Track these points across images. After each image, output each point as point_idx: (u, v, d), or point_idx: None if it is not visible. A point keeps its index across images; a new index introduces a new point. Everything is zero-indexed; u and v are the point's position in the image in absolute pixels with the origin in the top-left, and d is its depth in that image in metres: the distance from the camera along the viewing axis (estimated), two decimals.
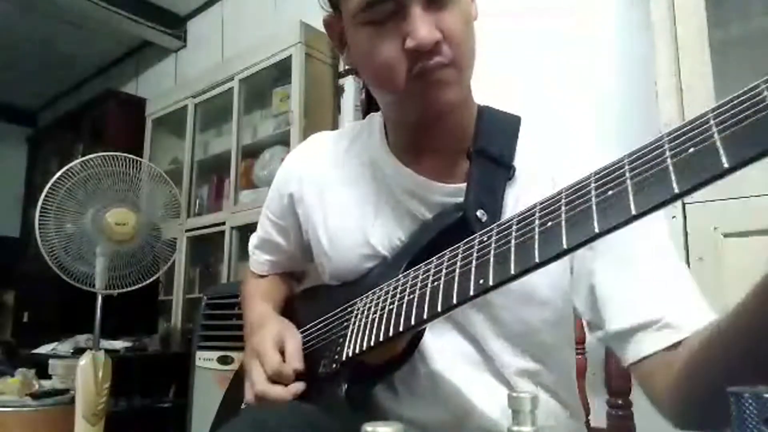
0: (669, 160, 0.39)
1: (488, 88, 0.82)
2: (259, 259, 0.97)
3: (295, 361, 0.70)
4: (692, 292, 0.60)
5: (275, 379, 0.70)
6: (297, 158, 0.89)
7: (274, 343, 0.73)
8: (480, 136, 0.73)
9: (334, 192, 0.82)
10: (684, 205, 1.17)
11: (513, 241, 0.50)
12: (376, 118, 0.83)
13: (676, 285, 0.61)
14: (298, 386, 0.69)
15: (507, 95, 0.85)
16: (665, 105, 1.24)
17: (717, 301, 1.10)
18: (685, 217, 1.17)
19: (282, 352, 0.72)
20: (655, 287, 0.60)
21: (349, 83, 2.42)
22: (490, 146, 0.72)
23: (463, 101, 0.71)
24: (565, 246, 0.44)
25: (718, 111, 0.37)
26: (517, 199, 0.69)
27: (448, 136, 0.73)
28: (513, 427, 0.40)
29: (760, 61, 1.27)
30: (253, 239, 0.98)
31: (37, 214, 1.84)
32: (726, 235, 1.13)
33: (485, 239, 0.55)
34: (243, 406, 0.77)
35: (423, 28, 0.62)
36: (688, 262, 1.15)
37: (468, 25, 0.67)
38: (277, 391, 0.68)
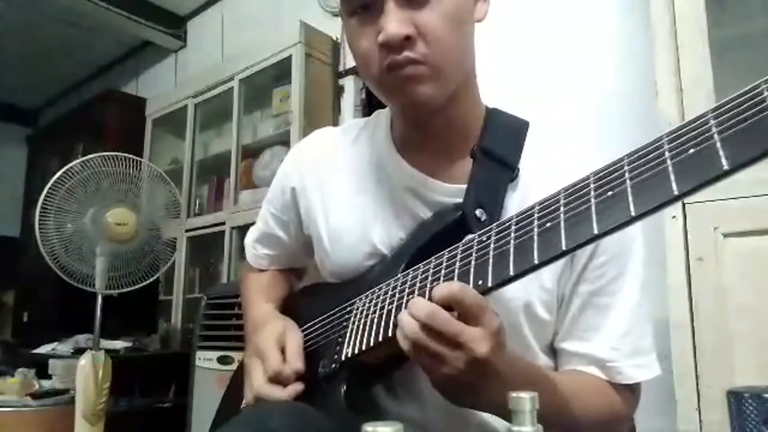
0: (669, 161, 0.38)
1: (488, 88, 0.81)
2: (258, 253, 0.96)
3: (295, 362, 0.70)
4: (638, 348, 0.69)
5: (275, 379, 0.70)
6: (300, 153, 0.89)
7: (275, 343, 0.73)
8: (485, 137, 0.73)
9: (336, 188, 0.81)
10: (684, 205, 1.17)
11: (512, 242, 0.50)
12: (383, 114, 0.83)
13: (627, 341, 0.69)
14: (297, 387, 0.69)
15: (507, 95, 0.85)
16: (665, 105, 1.23)
17: (717, 301, 1.10)
18: (685, 217, 1.17)
19: (283, 352, 0.72)
20: (608, 338, 0.69)
21: (349, 83, 2.42)
22: (495, 147, 0.71)
23: (442, 98, 0.68)
24: (564, 247, 0.44)
25: (718, 111, 0.37)
26: (521, 201, 0.69)
27: (449, 135, 0.73)
28: (513, 427, 0.40)
29: (760, 61, 1.27)
30: (252, 232, 0.97)
31: (37, 214, 1.84)
32: (726, 235, 1.13)
33: (484, 239, 0.55)
34: (243, 406, 0.77)
35: (393, 23, 0.62)
36: (688, 262, 1.15)
37: (451, 23, 0.64)
38: (276, 393, 0.68)
